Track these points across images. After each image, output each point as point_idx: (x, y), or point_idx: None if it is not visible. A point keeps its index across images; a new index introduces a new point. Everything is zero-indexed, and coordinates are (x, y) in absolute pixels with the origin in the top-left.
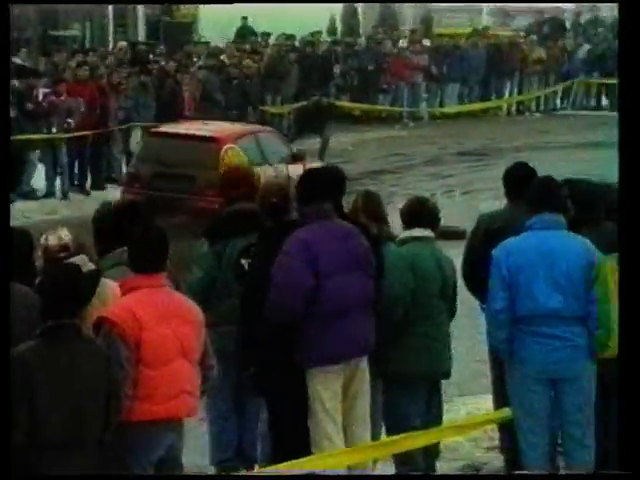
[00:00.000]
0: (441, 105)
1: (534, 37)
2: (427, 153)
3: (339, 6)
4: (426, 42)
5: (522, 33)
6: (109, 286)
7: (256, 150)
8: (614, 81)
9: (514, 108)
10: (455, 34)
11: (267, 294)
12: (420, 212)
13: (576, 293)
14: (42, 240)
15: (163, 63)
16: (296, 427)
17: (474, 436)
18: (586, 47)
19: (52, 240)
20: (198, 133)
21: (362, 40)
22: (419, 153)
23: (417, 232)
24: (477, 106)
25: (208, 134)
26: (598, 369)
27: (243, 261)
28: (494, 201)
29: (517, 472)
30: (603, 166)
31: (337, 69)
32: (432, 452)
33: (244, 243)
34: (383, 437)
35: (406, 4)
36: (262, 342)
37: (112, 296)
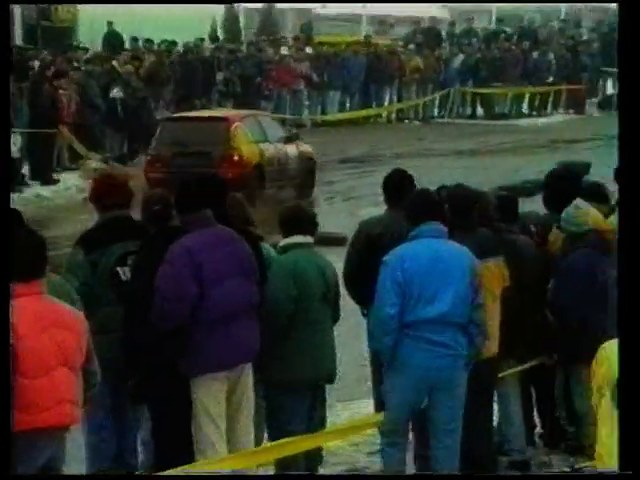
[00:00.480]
0: (323, 112)
1: (412, 46)
2: None
3: (221, 12)
4: (307, 50)
5: (400, 42)
6: None
7: (258, 129)
8: (488, 90)
9: (394, 116)
10: (336, 42)
11: (150, 301)
12: (298, 218)
13: (464, 299)
14: None
15: (40, 68)
16: (179, 434)
17: (355, 440)
18: (460, 57)
19: None
20: (210, 115)
21: (244, 47)
22: None
23: (297, 239)
24: (358, 114)
25: (219, 115)
26: (476, 367)
27: (119, 269)
28: (374, 207)
29: (517, 473)
30: (479, 173)
31: (220, 76)
32: (314, 457)
33: (120, 251)
34: (266, 442)
35: (288, 12)
36: (146, 349)
37: None
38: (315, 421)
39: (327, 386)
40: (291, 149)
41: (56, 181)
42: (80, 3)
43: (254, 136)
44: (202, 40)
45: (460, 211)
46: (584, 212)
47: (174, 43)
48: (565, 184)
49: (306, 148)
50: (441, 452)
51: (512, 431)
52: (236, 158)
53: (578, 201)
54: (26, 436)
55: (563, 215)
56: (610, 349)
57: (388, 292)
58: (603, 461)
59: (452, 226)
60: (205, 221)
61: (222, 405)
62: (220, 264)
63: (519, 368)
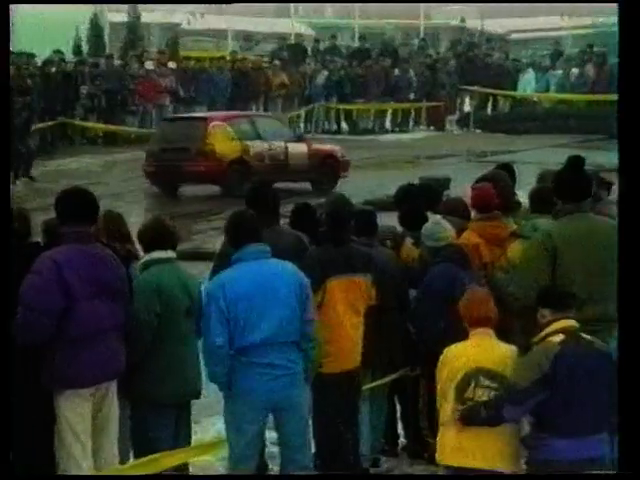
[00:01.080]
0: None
1: (277, 62)
2: None
3: (85, 25)
4: (171, 65)
5: (266, 58)
6: None
7: (250, 129)
8: (352, 106)
9: None
10: (201, 57)
11: (13, 316)
12: (158, 234)
13: (293, 318)
14: None
15: None
16: (40, 451)
17: (224, 455)
18: (325, 73)
19: None
20: (196, 115)
21: (108, 61)
22: None
23: (158, 254)
24: None
25: (202, 115)
26: (337, 380)
27: None
28: None
29: (517, 473)
30: (344, 188)
31: (84, 90)
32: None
33: None
34: (132, 460)
35: (154, 26)
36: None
37: None
38: (181, 438)
39: (194, 401)
40: (296, 147)
41: None
42: (81, 3)
43: (241, 134)
44: (61, 52)
45: (333, 224)
46: (444, 228)
47: (32, 55)
48: (418, 201)
49: (324, 147)
50: (292, 468)
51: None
52: (209, 154)
53: (437, 217)
54: None
55: (423, 230)
56: (451, 352)
57: (213, 322)
58: (445, 461)
59: (324, 239)
60: (80, 236)
61: (87, 422)
62: (89, 282)
63: (381, 381)
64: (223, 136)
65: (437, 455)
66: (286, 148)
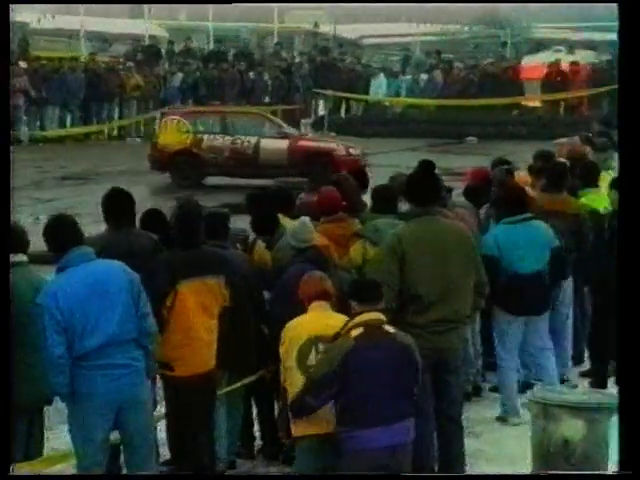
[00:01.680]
0: (42, 128)
1: (131, 64)
2: (30, 177)
3: None
4: (22, 64)
5: (120, 59)
6: None
7: (218, 125)
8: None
9: (115, 132)
10: (53, 57)
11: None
12: (13, 237)
13: (128, 315)
14: None
15: None
16: None
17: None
18: (180, 75)
19: None
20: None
21: None
22: (21, 177)
23: (11, 258)
24: (78, 130)
25: (165, 110)
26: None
27: None
28: (96, 225)
29: (517, 473)
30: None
31: None
32: None
33: None
34: None
35: None
36: None
37: None
38: (33, 444)
39: (47, 407)
40: (272, 143)
41: None
42: (81, 3)
43: (205, 128)
44: None
45: (183, 228)
46: (309, 229)
47: None
48: (269, 206)
49: (318, 144)
50: (138, 462)
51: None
52: (155, 145)
53: (305, 219)
54: None
55: (288, 230)
56: (291, 325)
57: (50, 332)
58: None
59: (176, 242)
60: None
61: None
62: None
63: (238, 384)
64: (172, 129)
65: (293, 431)
66: (257, 143)
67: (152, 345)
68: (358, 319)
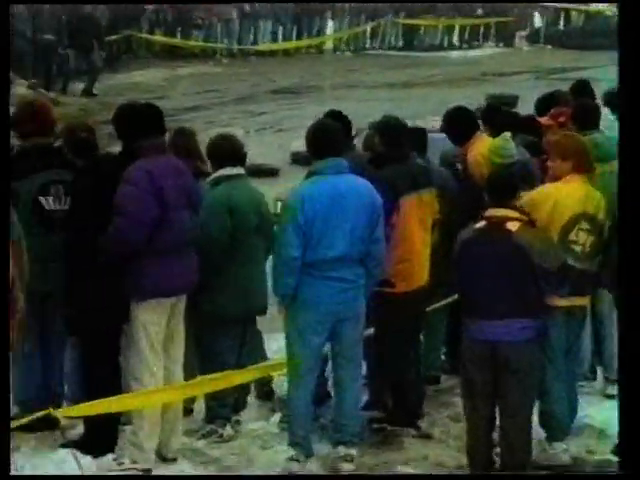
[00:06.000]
0: (255, 42)
1: None
2: (240, 90)
3: None
4: None
5: None
6: None
7: None
8: (420, 22)
9: (327, 46)
10: None
11: (94, 230)
12: (227, 150)
13: (362, 235)
14: None
15: None
16: (109, 366)
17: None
18: None
19: None
20: None
21: None
22: (233, 90)
23: (228, 171)
24: (290, 44)
25: None
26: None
27: (41, 198)
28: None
29: (517, 473)
30: (410, 105)
31: (150, 5)
32: (244, 387)
33: (42, 180)
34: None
35: None
36: (86, 278)
37: None
38: (245, 353)
39: (258, 318)
40: None
41: None
42: (82, 3)
43: None
44: None
45: (392, 141)
46: (511, 145)
47: None
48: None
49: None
50: (347, 377)
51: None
52: None
53: (507, 134)
54: None
55: (490, 147)
56: (558, 191)
57: (290, 234)
58: None
59: (384, 158)
60: (161, 148)
61: (162, 332)
62: (175, 192)
63: (445, 301)
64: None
65: None
66: None
67: (376, 270)
68: (486, 213)
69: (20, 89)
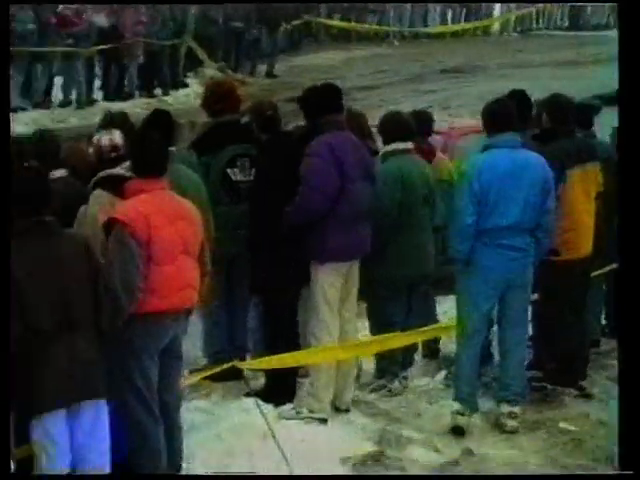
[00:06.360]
0: (425, 25)
1: None
2: (411, 70)
3: None
4: None
5: None
6: (94, 195)
7: None
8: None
9: (494, 29)
10: None
11: (275, 200)
12: (398, 126)
13: (534, 206)
14: (95, 140)
15: None
16: (288, 322)
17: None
18: None
19: (104, 141)
20: None
21: None
22: (403, 70)
23: (398, 145)
24: (458, 26)
25: None
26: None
27: (229, 170)
28: (471, 118)
29: (517, 473)
30: (576, 84)
31: None
32: (411, 346)
33: (230, 153)
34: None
35: None
36: (268, 244)
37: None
38: (412, 316)
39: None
40: None
41: (185, 85)
42: (83, 3)
43: None
44: None
45: (559, 118)
46: None
47: None
48: None
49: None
50: (513, 340)
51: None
52: None
53: None
54: (155, 317)
55: None
56: None
57: (465, 202)
58: None
59: (551, 132)
60: (340, 124)
61: (338, 294)
62: (354, 164)
63: (606, 268)
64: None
65: None
66: None
67: (545, 239)
68: None
69: (210, 71)
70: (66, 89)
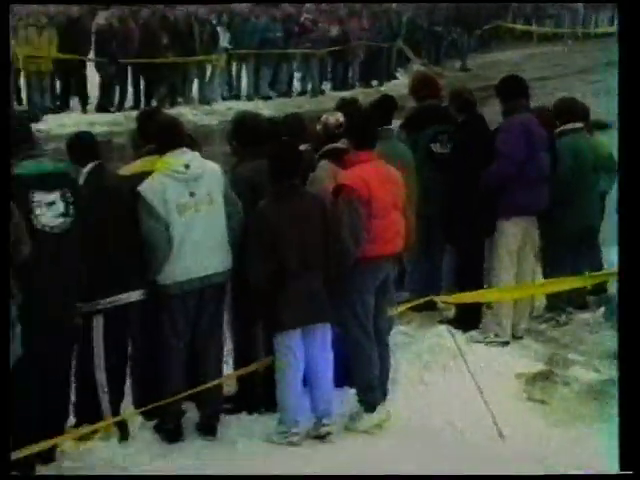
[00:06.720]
0: (595, 26)
1: None
2: (581, 64)
3: None
4: None
5: None
6: (321, 164)
7: None
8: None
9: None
10: None
11: (469, 168)
12: (572, 109)
13: None
14: (323, 119)
15: None
16: (478, 268)
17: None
18: None
19: (331, 120)
20: None
21: None
22: (575, 64)
23: (573, 125)
24: None
25: None
26: None
27: (432, 145)
28: None
29: (517, 473)
30: None
31: None
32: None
33: (432, 131)
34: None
35: None
36: (463, 202)
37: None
38: (580, 263)
39: None
40: None
41: (395, 77)
42: (83, 3)
43: None
44: None
45: None
46: None
47: None
48: None
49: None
50: None
51: None
52: None
53: None
54: (374, 261)
55: None
56: None
57: None
58: None
59: None
60: (526, 107)
61: (517, 244)
62: (539, 138)
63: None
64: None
65: None
66: None
67: None
68: None
69: (416, 66)
70: (303, 82)
